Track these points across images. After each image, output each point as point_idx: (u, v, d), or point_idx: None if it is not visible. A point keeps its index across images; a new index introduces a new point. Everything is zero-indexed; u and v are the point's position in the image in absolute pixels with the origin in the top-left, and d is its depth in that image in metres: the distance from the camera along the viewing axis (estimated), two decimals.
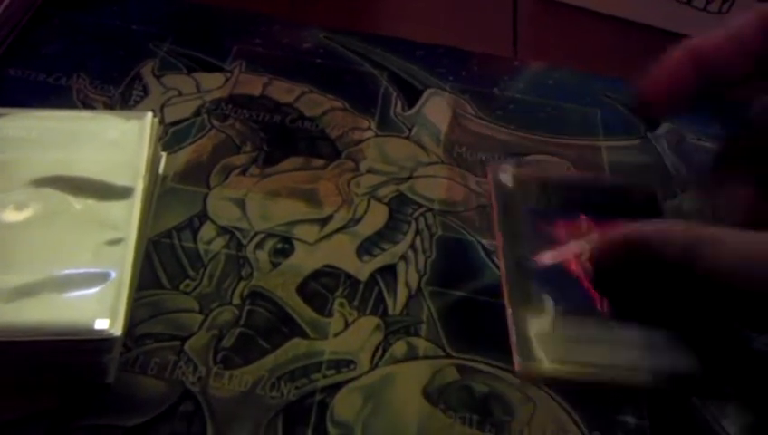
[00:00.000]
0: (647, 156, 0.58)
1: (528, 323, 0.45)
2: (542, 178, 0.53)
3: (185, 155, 0.52)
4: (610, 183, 0.54)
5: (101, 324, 0.37)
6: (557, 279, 0.48)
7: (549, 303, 0.46)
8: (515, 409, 0.41)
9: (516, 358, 0.43)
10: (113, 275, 0.39)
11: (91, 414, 0.38)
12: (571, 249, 0.48)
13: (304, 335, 0.43)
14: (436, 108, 0.59)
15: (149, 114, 0.48)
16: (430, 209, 0.51)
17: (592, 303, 0.46)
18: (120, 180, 0.44)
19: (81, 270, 0.39)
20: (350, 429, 0.39)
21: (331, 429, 0.39)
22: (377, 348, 0.43)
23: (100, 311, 0.37)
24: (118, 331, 0.37)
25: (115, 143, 0.46)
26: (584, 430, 0.41)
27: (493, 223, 0.51)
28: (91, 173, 0.44)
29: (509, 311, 0.45)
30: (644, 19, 0.71)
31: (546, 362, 0.43)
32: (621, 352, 0.44)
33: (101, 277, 0.39)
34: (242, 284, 0.45)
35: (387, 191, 0.52)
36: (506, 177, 0.52)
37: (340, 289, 0.45)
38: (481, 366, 0.43)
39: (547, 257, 0.48)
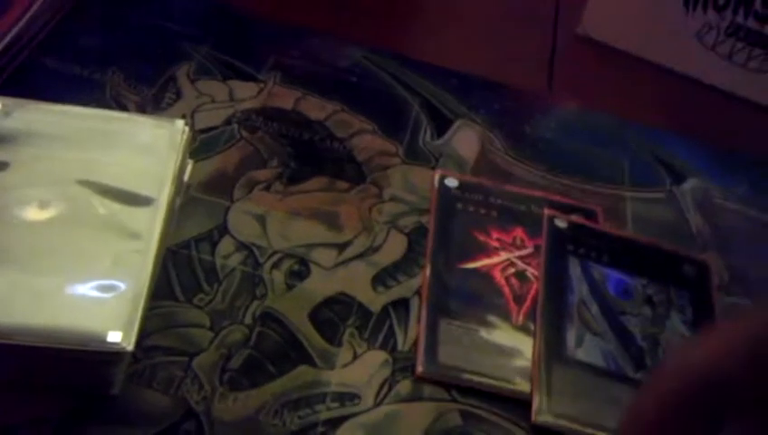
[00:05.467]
0: (670, 211, 0.58)
1: (440, 327, 0.46)
2: (486, 187, 0.54)
3: (211, 165, 0.52)
4: (554, 200, 0.54)
5: (114, 337, 0.37)
6: (479, 286, 0.48)
7: (464, 310, 0.47)
8: None
9: (420, 360, 0.44)
10: (131, 286, 0.39)
11: (93, 423, 0.38)
12: (500, 259, 0.48)
13: (312, 363, 0.43)
14: (466, 140, 0.59)
15: (181, 122, 0.48)
16: None
17: (509, 315, 0.47)
18: (146, 188, 0.44)
19: (100, 277, 0.39)
20: None
21: None
22: (383, 384, 0.43)
23: (114, 323, 0.37)
24: (130, 345, 0.37)
25: (145, 149, 0.46)
26: None
27: (429, 226, 0.51)
28: (119, 178, 0.44)
29: (423, 313, 0.46)
30: (684, 69, 0.70)
31: (448, 368, 0.44)
32: (522, 363, 0.44)
33: (118, 287, 0.39)
34: (255, 303, 0.45)
35: (408, 222, 0.52)
36: (451, 181, 0.53)
37: (352, 319, 0.45)
38: (485, 414, 0.43)
39: (473, 264, 0.49)
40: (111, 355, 0.37)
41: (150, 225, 0.42)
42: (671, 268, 0.52)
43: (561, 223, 0.53)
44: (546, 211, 0.53)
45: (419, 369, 0.44)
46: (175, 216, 0.47)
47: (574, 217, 0.54)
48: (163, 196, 0.44)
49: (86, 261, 0.40)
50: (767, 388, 0.27)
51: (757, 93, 0.69)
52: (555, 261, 0.51)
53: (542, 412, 0.43)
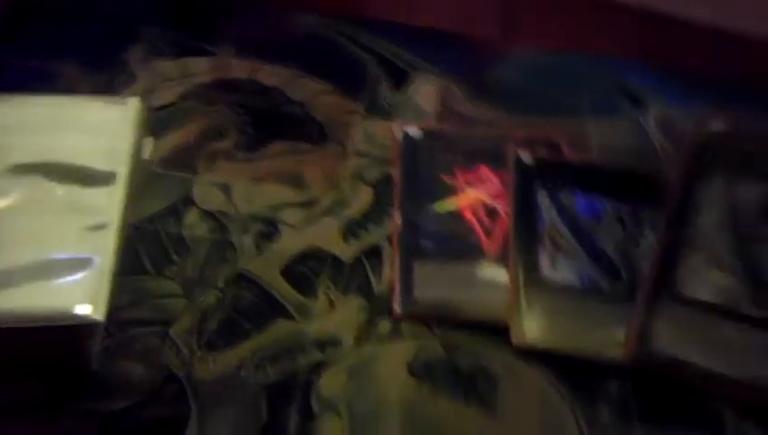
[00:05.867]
0: (634, 136, 0.58)
1: (414, 268, 0.46)
2: (448, 132, 0.54)
3: (170, 140, 0.52)
4: (517, 137, 0.54)
5: (83, 310, 0.37)
6: (450, 225, 0.48)
7: (437, 249, 0.47)
8: (499, 381, 0.41)
9: (398, 299, 0.44)
10: (96, 260, 0.39)
11: (75, 399, 0.38)
12: (468, 198, 0.48)
13: (289, 317, 0.43)
14: (425, 90, 0.59)
15: (134, 99, 0.48)
16: None
17: (481, 249, 0.47)
18: (103, 166, 0.44)
19: (65, 256, 0.39)
20: (334, 406, 0.39)
21: (315, 406, 0.39)
22: (362, 327, 0.43)
23: (82, 297, 0.37)
24: (100, 316, 0.37)
25: (99, 129, 0.46)
26: (567, 397, 0.41)
27: (394, 172, 0.51)
28: (75, 159, 0.44)
29: (396, 257, 0.46)
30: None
31: (426, 306, 0.44)
32: (498, 293, 0.45)
33: (84, 263, 0.39)
34: (226, 267, 0.45)
35: (373, 174, 0.52)
36: (414, 130, 0.53)
37: (326, 271, 0.45)
38: (466, 342, 0.43)
39: (444, 205, 0.49)
40: (83, 328, 0.37)
41: (111, 201, 0.42)
42: (638, 188, 0.52)
43: (525, 157, 0.53)
44: (510, 148, 0.53)
45: (396, 309, 0.44)
46: (137, 192, 0.47)
47: (538, 151, 0.54)
48: (121, 172, 0.44)
49: (50, 242, 0.40)
50: None
51: (708, 15, 0.69)
52: (523, 193, 0.51)
53: (522, 334, 0.43)
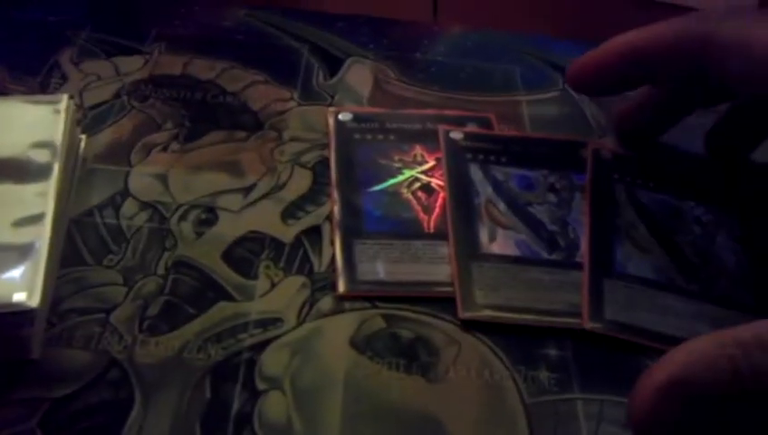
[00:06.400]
0: (566, 107, 0.59)
1: (355, 247, 0.46)
2: (381, 114, 0.55)
3: (105, 136, 0.52)
4: (447, 115, 0.56)
5: (19, 297, 0.37)
6: (387, 204, 0.49)
7: (376, 228, 0.48)
8: (441, 350, 0.42)
9: (341, 279, 0.45)
10: (30, 250, 0.39)
11: (16, 388, 0.38)
12: (404, 177, 0.50)
13: (230, 298, 0.43)
14: (358, 75, 0.60)
15: (64, 96, 0.48)
16: None
17: (420, 225, 0.48)
18: (35, 162, 0.44)
19: None
20: (278, 382, 0.40)
21: (259, 384, 0.39)
22: (303, 305, 0.43)
23: (18, 285, 0.37)
24: (35, 302, 0.37)
25: (28, 126, 0.46)
26: (508, 364, 0.42)
27: (330, 157, 0.52)
28: (4, 156, 0.44)
29: (337, 237, 0.47)
30: None
31: (370, 283, 0.45)
32: (439, 268, 0.46)
33: (19, 255, 0.39)
34: (166, 254, 0.45)
35: (310, 157, 0.52)
36: (345, 115, 0.54)
37: (266, 252, 0.46)
38: (407, 314, 0.44)
39: (378, 186, 0.49)
40: (19, 315, 0.37)
41: (45, 193, 0.42)
42: (568, 155, 0.54)
43: (455, 134, 0.54)
44: (440, 126, 0.55)
45: (340, 289, 0.44)
46: (73, 188, 0.47)
47: (468, 127, 0.55)
48: (54, 166, 0.44)
49: None
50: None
51: None
52: (456, 170, 0.52)
53: (467, 308, 0.44)
